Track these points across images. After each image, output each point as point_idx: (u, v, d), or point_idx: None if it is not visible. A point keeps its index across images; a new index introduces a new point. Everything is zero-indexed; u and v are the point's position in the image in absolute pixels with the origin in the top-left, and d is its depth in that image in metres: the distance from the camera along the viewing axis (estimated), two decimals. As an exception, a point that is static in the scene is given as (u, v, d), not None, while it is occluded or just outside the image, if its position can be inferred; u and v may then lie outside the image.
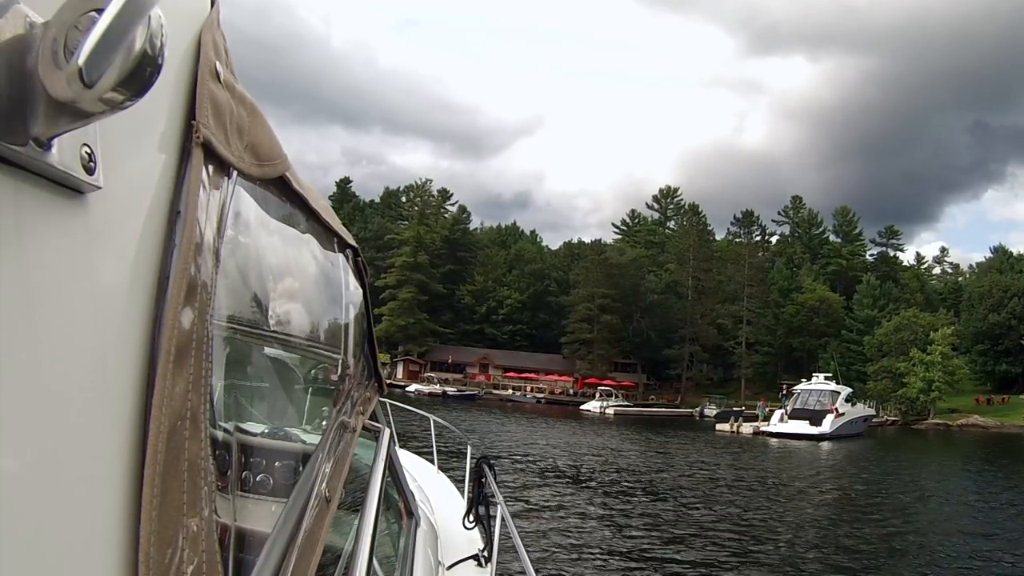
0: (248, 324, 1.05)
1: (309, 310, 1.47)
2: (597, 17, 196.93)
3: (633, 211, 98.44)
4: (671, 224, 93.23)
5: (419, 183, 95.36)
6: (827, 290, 72.99)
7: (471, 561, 3.23)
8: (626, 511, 13.34)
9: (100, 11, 0.47)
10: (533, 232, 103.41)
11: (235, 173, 0.84)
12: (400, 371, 72.26)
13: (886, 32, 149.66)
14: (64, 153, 0.52)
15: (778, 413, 41.71)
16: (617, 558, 9.75)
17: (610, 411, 54.09)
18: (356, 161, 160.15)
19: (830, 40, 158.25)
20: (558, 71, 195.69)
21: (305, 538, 1.06)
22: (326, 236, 1.58)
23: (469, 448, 4.52)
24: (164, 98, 0.68)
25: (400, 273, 77.57)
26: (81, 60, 0.47)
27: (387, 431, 2.43)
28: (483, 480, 3.50)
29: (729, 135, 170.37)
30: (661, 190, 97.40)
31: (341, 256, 1.80)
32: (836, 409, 40.41)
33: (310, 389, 1.68)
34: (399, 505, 2.84)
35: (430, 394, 58.92)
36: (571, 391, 68.11)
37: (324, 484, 1.26)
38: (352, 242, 1.92)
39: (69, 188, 0.54)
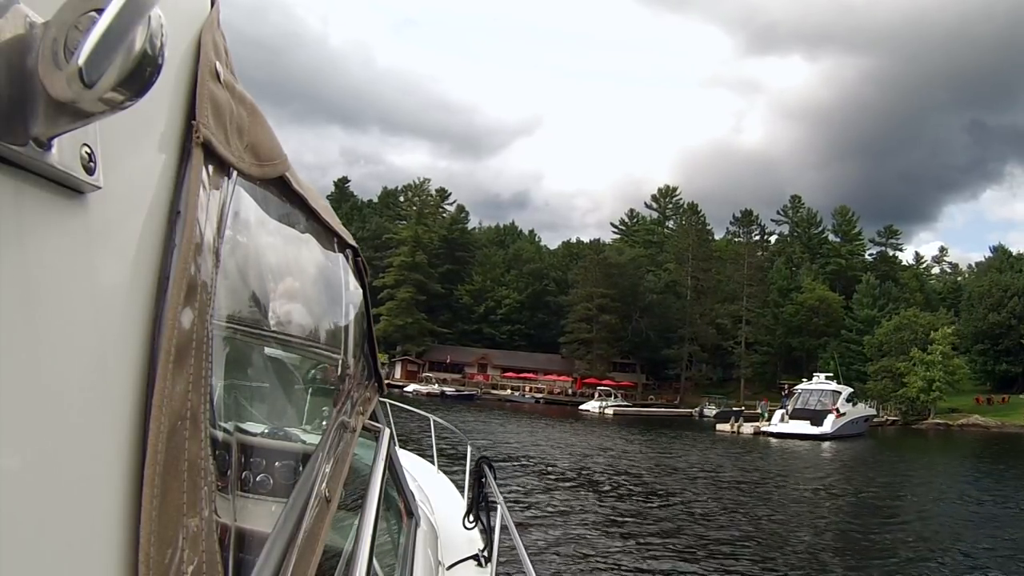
0: (248, 324, 1.05)
1: (309, 310, 1.47)
2: (595, 17, 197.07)
3: (632, 211, 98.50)
4: (670, 224, 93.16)
5: (417, 182, 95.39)
6: (826, 290, 73.01)
7: (471, 561, 3.23)
8: (627, 512, 13.33)
9: (100, 11, 0.47)
10: (531, 232, 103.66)
11: (235, 173, 0.84)
12: (398, 371, 72.24)
13: (884, 32, 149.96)
14: (64, 153, 0.52)
15: (779, 413, 41.55)
16: (618, 559, 9.75)
17: (609, 411, 54.03)
18: (354, 161, 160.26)
19: (828, 39, 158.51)
20: (556, 71, 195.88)
21: (305, 538, 1.06)
22: (326, 236, 1.59)
23: (469, 448, 4.52)
24: (164, 98, 0.68)
25: (398, 273, 77.57)
26: (81, 60, 0.47)
27: (387, 431, 2.43)
28: (483, 480, 3.50)
29: (728, 134, 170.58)
30: (660, 189, 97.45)
31: (341, 256, 1.80)
32: (837, 409, 40.28)
33: (310, 389, 1.68)
34: (399, 505, 2.84)
35: (428, 394, 58.85)
36: (570, 391, 68.13)
37: (324, 484, 1.26)
38: (352, 242, 1.92)
39: (69, 188, 0.54)
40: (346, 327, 1.82)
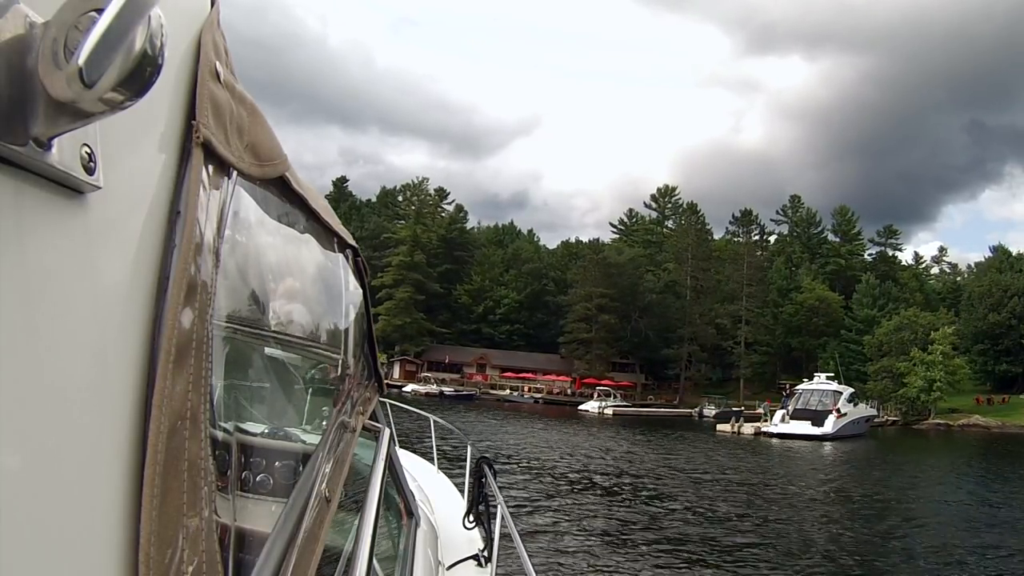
0: (248, 324, 1.05)
1: (309, 310, 1.47)
2: (594, 17, 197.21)
3: (631, 210, 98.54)
4: (669, 223, 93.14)
5: (416, 182, 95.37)
6: (826, 289, 73.07)
7: (471, 561, 3.23)
8: (628, 514, 13.31)
9: (100, 11, 0.47)
10: (530, 231, 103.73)
11: (235, 173, 0.84)
12: (397, 371, 72.21)
13: (883, 31, 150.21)
14: (64, 153, 0.52)
15: (779, 413, 41.33)
16: (619, 560, 9.75)
17: (609, 411, 53.98)
18: (353, 161, 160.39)
19: (827, 39, 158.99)
20: (555, 71, 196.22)
21: (305, 538, 1.06)
22: (326, 236, 1.59)
23: (469, 448, 4.52)
24: (164, 98, 0.68)
25: (397, 272, 77.54)
26: (81, 60, 0.47)
27: (387, 431, 2.43)
28: (483, 480, 3.50)
29: (727, 134, 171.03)
30: (659, 189, 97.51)
31: (341, 256, 1.80)
32: (838, 409, 40.17)
33: (310, 389, 1.68)
34: (399, 505, 2.84)
35: (427, 394, 58.80)
36: (569, 391, 68.13)
37: (324, 484, 1.26)
38: (352, 242, 1.92)
39: (69, 188, 0.54)
40: (346, 327, 1.83)
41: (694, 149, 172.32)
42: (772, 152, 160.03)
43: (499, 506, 2.82)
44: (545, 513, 12.42)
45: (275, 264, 1.19)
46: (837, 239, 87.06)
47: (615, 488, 16.28)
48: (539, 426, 35.75)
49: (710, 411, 54.80)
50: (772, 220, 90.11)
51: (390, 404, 5.26)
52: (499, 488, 3.26)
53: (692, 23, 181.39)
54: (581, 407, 56.49)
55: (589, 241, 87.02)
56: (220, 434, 0.84)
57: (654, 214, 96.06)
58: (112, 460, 0.57)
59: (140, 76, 0.49)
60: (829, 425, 38.33)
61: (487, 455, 3.69)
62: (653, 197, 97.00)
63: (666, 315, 74.12)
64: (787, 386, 54.85)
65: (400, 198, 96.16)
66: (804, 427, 38.26)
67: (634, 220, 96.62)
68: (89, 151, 0.55)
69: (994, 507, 16.35)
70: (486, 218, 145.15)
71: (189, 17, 0.76)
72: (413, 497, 3.08)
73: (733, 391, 69.48)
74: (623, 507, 13.87)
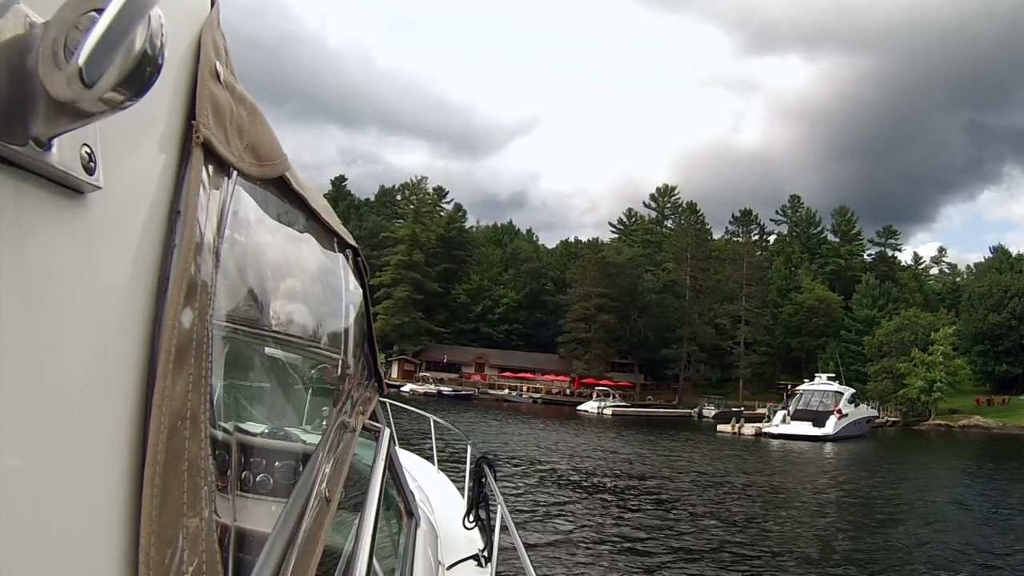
0: (248, 324, 1.05)
1: (309, 310, 1.47)
2: (594, 17, 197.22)
3: (630, 210, 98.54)
4: (668, 223, 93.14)
5: (414, 181, 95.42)
6: (826, 290, 73.07)
7: (471, 561, 3.23)
8: (630, 514, 13.29)
9: (100, 11, 0.47)
10: (529, 231, 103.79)
11: (235, 173, 0.84)
12: (395, 371, 72.16)
13: (883, 31, 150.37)
14: (64, 153, 0.52)
15: (780, 414, 41.10)
16: (620, 560, 9.74)
17: (608, 411, 53.92)
18: (352, 160, 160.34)
19: (827, 39, 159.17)
20: (554, 71, 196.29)
21: (305, 538, 1.06)
22: (326, 236, 1.59)
23: (469, 448, 4.52)
24: (164, 98, 0.68)
25: (395, 272, 77.49)
26: (81, 60, 0.46)
27: (387, 431, 2.43)
28: (483, 480, 3.49)
29: (726, 134, 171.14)
30: (658, 189, 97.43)
31: (341, 256, 1.80)
32: (839, 410, 40.02)
33: (310, 389, 1.68)
34: (399, 505, 2.84)
35: (425, 394, 58.70)
36: (568, 391, 68.08)
37: (324, 484, 1.26)
38: (352, 242, 1.92)
39: (69, 188, 0.54)
40: (346, 327, 1.83)
41: (693, 149, 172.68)
42: (772, 152, 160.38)
43: (499, 506, 2.82)
44: (546, 513, 12.41)
45: (275, 264, 1.19)
46: (837, 239, 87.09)
47: (616, 489, 16.26)
48: (538, 426, 35.69)
49: (709, 411, 54.78)
50: (772, 220, 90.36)
51: (390, 404, 5.26)
52: (499, 488, 3.26)
53: (692, 23, 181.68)
54: (580, 407, 56.44)
55: (588, 241, 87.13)
56: (220, 434, 0.84)
57: (653, 214, 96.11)
58: (112, 460, 0.57)
59: (140, 76, 0.49)
60: (830, 426, 38.16)
61: (487, 455, 3.69)
62: (652, 197, 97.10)
63: (665, 315, 74.11)
64: (787, 386, 54.82)
65: (399, 197, 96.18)
66: (805, 428, 38.10)
67: (633, 220, 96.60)
68: (89, 151, 0.55)
69: (1003, 510, 16.13)
70: (485, 217, 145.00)
71: (189, 17, 0.76)
72: (413, 497, 3.08)
73: (732, 391, 69.46)
74: (624, 508, 13.85)
